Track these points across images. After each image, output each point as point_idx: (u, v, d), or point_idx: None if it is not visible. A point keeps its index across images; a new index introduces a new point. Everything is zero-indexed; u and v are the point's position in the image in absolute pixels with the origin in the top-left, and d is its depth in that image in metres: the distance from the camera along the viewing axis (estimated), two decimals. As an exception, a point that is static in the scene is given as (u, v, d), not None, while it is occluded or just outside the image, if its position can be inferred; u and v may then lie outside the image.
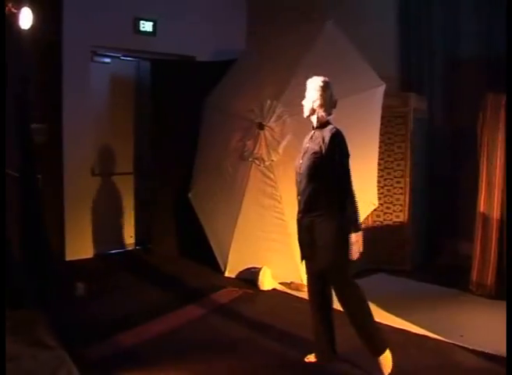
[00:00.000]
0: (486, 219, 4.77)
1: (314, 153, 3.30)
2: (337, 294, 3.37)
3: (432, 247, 5.96)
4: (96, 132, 6.37)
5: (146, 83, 6.67)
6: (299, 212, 3.45)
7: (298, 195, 3.43)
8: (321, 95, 3.38)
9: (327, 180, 3.29)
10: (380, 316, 4.13)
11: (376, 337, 3.31)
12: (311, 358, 3.54)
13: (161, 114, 6.46)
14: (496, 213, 4.74)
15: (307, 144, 3.43)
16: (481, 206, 4.81)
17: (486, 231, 4.77)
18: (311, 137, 3.43)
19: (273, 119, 5.12)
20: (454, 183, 5.87)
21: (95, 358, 3.52)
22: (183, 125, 6.28)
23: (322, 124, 3.39)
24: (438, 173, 6.01)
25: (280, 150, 5.02)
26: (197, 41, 6.85)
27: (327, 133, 3.30)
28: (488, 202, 4.78)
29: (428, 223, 6.00)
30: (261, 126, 5.16)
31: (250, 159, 5.20)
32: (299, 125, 4.62)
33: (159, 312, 4.42)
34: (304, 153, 3.41)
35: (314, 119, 3.43)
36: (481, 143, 4.88)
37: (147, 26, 6.52)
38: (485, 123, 4.88)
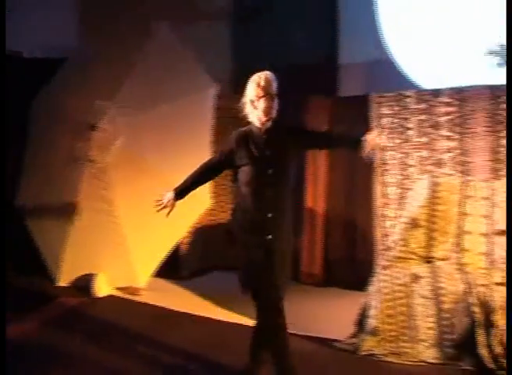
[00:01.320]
0: (313, 213, 5.11)
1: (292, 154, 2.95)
2: (275, 313, 3.11)
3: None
4: None
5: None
6: (266, 234, 2.87)
7: (268, 213, 2.87)
8: None
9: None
10: (217, 312, 4.24)
11: None
12: None
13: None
14: (321, 208, 5.09)
15: (267, 152, 2.90)
16: (309, 202, 5.14)
17: (313, 225, 5.11)
18: (267, 142, 2.92)
19: (105, 120, 4.98)
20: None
21: None
22: (9, 127, 5.85)
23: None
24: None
25: (113, 151, 4.90)
26: (25, 36, 6.43)
27: (283, 127, 2.97)
28: (314, 198, 5.12)
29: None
30: (92, 128, 5.00)
31: (81, 161, 5.01)
32: (131, 126, 4.56)
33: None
34: (268, 162, 2.89)
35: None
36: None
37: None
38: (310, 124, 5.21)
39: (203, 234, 5.62)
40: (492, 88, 4.45)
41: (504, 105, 4.33)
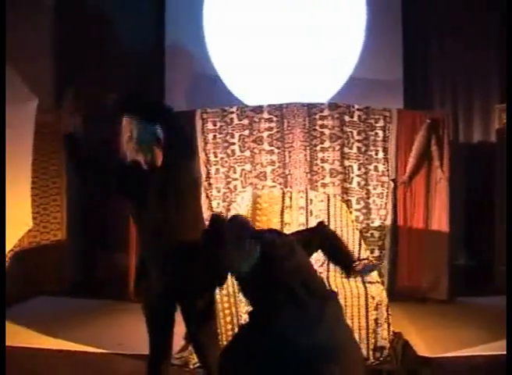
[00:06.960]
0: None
1: None
2: None
3: (89, 261, 6.00)
4: None
5: None
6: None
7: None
8: None
9: None
10: (44, 341, 3.98)
11: None
12: None
13: None
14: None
15: None
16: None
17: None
18: None
19: None
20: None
21: None
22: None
23: None
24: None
25: None
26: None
27: None
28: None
29: (85, 239, 6.06)
30: None
31: None
32: None
33: None
34: None
35: None
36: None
37: None
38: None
39: (27, 257, 5.19)
40: (309, 106, 4.84)
41: (320, 122, 4.74)
